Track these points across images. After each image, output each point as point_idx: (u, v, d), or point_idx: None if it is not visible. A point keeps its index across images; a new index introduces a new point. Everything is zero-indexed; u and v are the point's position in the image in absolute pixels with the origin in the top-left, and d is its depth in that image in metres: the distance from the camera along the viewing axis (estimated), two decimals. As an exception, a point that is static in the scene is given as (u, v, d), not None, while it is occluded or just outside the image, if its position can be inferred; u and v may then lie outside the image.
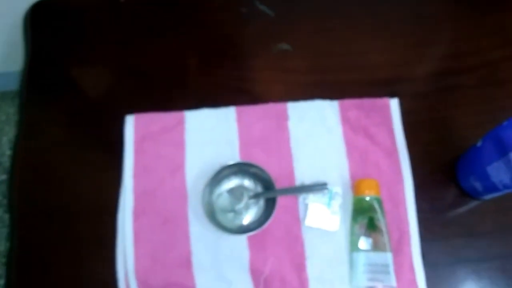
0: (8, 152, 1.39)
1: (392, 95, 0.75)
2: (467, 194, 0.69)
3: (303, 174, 0.70)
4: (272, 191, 0.65)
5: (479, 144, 0.63)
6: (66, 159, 0.74)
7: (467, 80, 0.77)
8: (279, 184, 0.66)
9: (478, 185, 0.65)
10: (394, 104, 0.73)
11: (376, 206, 0.65)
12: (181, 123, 0.73)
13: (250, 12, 0.82)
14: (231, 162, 0.66)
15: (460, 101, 0.76)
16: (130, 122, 0.72)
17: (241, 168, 0.68)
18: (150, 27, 0.82)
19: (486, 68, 0.78)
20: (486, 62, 0.78)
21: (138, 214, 0.67)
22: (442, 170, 0.72)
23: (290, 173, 0.70)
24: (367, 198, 0.66)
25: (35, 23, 0.83)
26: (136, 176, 0.70)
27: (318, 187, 0.64)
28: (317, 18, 0.82)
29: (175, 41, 0.81)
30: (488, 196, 0.66)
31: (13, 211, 0.71)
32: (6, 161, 1.38)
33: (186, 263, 0.65)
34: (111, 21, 0.83)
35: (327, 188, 0.64)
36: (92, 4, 0.84)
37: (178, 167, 0.70)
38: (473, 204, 0.70)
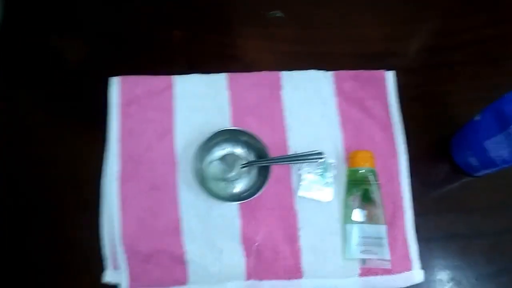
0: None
1: (387, 68, 0.73)
2: (461, 170, 0.69)
3: (296, 144, 0.67)
4: (266, 159, 0.63)
5: (477, 118, 0.62)
6: (46, 123, 0.69)
7: (460, 57, 0.76)
8: (272, 154, 0.64)
9: (474, 160, 0.64)
10: (389, 77, 0.72)
11: (371, 178, 0.63)
12: (169, 87, 0.69)
13: (244, -22, 0.79)
14: (223, 128, 0.63)
15: (453, 77, 0.75)
16: (116, 85, 0.68)
17: (233, 135, 0.65)
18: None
19: (479, 45, 0.77)
20: (479, 39, 0.77)
21: (124, 179, 0.64)
22: (436, 146, 0.71)
23: (283, 143, 0.67)
24: (362, 170, 0.64)
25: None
26: (122, 140, 0.66)
27: (313, 156, 0.62)
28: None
29: (162, 3, 0.77)
30: (483, 172, 0.65)
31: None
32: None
33: (175, 230, 0.62)
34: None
35: (322, 158, 0.62)
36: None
37: (166, 133, 0.67)
38: (466, 180, 0.69)
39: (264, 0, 0.78)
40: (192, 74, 0.71)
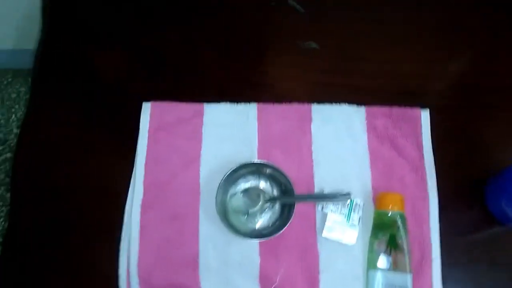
0: (16, 131, 1.36)
1: (422, 105, 0.70)
2: (495, 219, 0.65)
3: (323, 181, 0.66)
4: (291, 196, 0.61)
5: None
6: (75, 142, 0.70)
7: (499, 100, 0.73)
8: (297, 188, 0.62)
9: (510, 210, 0.61)
10: (424, 116, 0.69)
11: (399, 222, 0.61)
12: (199, 115, 0.69)
13: (279, 5, 0.78)
14: (249, 161, 0.62)
15: (491, 120, 0.72)
16: (147, 110, 0.69)
17: (258, 168, 0.64)
18: (172, 10, 0.78)
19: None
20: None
21: (146, 207, 0.64)
22: (469, 190, 0.68)
23: (310, 178, 0.66)
24: (390, 213, 0.62)
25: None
26: (148, 166, 0.66)
27: (341, 197, 0.60)
28: (347, 20, 0.78)
29: (198, 28, 0.77)
30: None
31: (14, 190, 0.68)
32: (13, 139, 1.35)
33: (192, 263, 0.61)
34: (133, 2, 0.79)
35: (350, 199, 0.60)
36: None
37: (192, 161, 0.67)
38: (500, 230, 0.66)
39: (300, 30, 0.77)
40: (222, 103, 0.71)
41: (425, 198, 0.65)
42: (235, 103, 0.71)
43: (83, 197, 0.67)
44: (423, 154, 0.68)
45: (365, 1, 0.79)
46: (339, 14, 0.78)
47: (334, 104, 0.71)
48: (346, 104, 0.71)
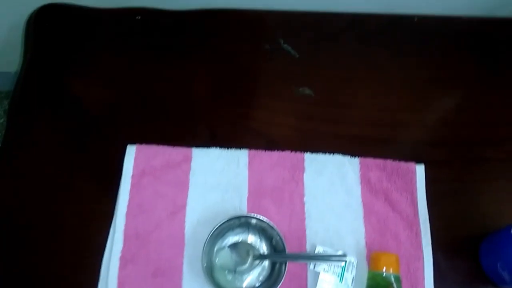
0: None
1: (416, 158, 0.69)
2: (490, 281, 0.63)
3: (315, 235, 0.63)
4: (283, 255, 0.58)
5: None
6: (52, 180, 0.66)
7: (495, 153, 0.72)
8: (288, 243, 0.59)
9: (505, 274, 0.59)
10: (420, 171, 0.67)
11: (395, 285, 0.58)
12: (187, 160, 0.66)
13: (273, 50, 0.77)
14: (238, 215, 0.59)
15: (487, 174, 0.70)
16: (131, 153, 0.65)
17: (248, 220, 0.61)
18: (164, 50, 0.76)
19: (515, 142, 0.73)
20: (516, 135, 0.73)
21: (126, 260, 0.59)
22: (464, 250, 0.65)
23: (302, 232, 0.63)
24: (385, 275, 0.58)
25: (39, 27, 0.76)
26: (129, 214, 0.62)
27: (335, 258, 0.57)
28: (342, 65, 0.77)
29: (189, 68, 0.75)
30: None
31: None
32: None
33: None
34: (122, 37, 0.76)
35: (345, 261, 0.56)
36: (105, 17, 0.78)
37: (178, 210, 0.63)
38: (495, 292, 0.63)
39: (294, 75, 0.75)
40: (212, 148, 0.67)
41: (420, 257, 0.63)
42: (226, 149, 0.68)
43: (57, 247, 0.62)
44: (417, 210, 0.65)
45: (361, 47, 0.78)
46: (333, 59, 0.77)
47: (327, 153, 0.68)
48: (340, 154, 0.68)
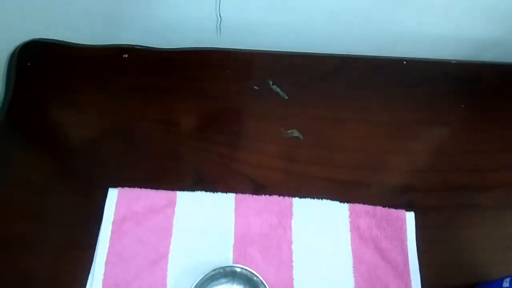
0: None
1: (406, 204, 0.67)
2: (483, 334, 0.61)
3: (303, 285, 0.61)
4: (269, 308, 0.55)
5: (506, 284, 0.55)
6: (26, 225, 0.62)
7: (484, 199, 0.71)
8: (275, 294, 0.57)
9: None
10: (409, 219, 0.66)
11: None
12: (171, 205, 0.63)
13: (262, 91, 0.76)
14: (224, 266, 0.56)
15: (476, 221, 0.69)
16: (112, 197, 0.63)
17: (233, 269, 0.58)
18: (148, 89, 0.74)
19: (505, 188, 0.72)
20: (506, 181, 0.72)
21: (105, 315, 0.56)
22: (456, 298, 0.64)
23: (289, 282, 0.61)
24: (375, 329, 0.56)
25: (22, 63, 0.74)
26: (109, 263, 0.59)
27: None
28: (331, 107, 0.76)
29: (175, 108, 0.73)
30: None
31: None
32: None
33: None
34: (107, 75, 0.75)
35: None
36: (90, 54, 0.76)
37: (160, 258, 0.60)
38: None
39: (283, 117, 0.74)
40: (198, 192, 0.65)
41: (412, 309, 0.61)
42: (212, 192, 0.66)
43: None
44: (408, 259, 0.64)
45: (349, 89, 0.78)
46: (322, 101, 0.76)
47: (316, 198, 0.67)
48: (329, 199, 0.67)
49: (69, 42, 0.77)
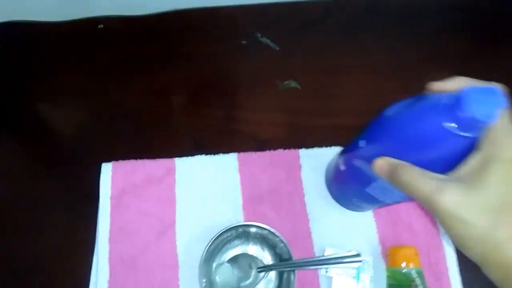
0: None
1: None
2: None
3: (322, 237, 0.57)
4: (290, 262, 0.51)
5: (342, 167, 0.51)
6: (23, 213, 0.58)
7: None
8: (294, 249, 0.52)
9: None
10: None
11: (418, 281, 0.52)
12: (170, 173, 0.59)
13: (251, 45, 0.71)
14: (233, 225, 0.52)
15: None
16: (107, 172, 0.58)
17: (246, 230, 0.54)
18: (132, 59, 0.70)
19: None
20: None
21: (114, 291, 0.52)
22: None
23: (307, 236, 0.57)
24: (405, 271, 0.52)
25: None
26: (113, 240, 0.55)
27: (348, 259, 0.50)
28: (326, 53, 0.71)
29: (162, 76, 0.69)
30: None
31: None
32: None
33: None
34: (84, 50, 0.70)
35: (360, 261, 0.50)
36: (68, 30, 0.71)
37: (166, 229, 0.56)
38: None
39: (277, 68, 0.69)
40: (197, 156, 0.61)
41: (440, 246, 0.57)
42: (212, 155, 0.61)
43: (34, 283, 0.54)
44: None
45: (343, 33, 0.73)
46: (315, 47, 0.71)
47: (323, 147, 0.63)
48: (337, 146, 0.63)
49: (39, 21, 0.72)
